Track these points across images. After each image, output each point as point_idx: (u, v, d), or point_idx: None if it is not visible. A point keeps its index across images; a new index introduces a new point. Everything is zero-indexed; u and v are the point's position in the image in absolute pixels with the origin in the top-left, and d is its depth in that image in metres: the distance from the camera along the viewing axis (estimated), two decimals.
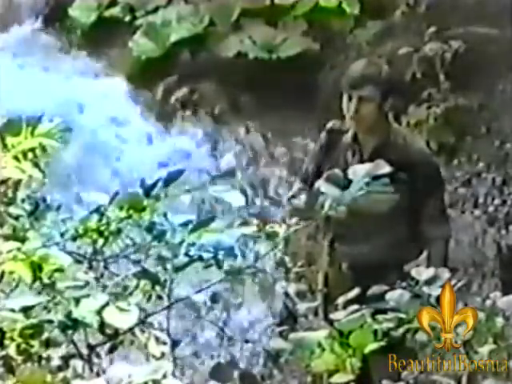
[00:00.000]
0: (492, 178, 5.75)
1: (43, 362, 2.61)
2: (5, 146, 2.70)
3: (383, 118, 4.61)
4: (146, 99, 6.73)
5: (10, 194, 2.79)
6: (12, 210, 2.78)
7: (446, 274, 3.04)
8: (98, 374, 2.62)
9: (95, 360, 2.69)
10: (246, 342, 4.38)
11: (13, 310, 2.52)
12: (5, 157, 2.69)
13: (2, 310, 2.50)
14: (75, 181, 5.32)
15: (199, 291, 2.88)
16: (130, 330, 2.71)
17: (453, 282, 3.05)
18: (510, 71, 5.84)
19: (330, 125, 4.71)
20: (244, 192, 4.46)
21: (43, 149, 2.76)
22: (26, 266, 2.58)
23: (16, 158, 2.71)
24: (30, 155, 2.74)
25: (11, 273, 2.61)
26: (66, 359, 2.65)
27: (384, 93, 4.55)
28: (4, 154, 2.70)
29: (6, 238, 2.69)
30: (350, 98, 4.51)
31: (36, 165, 2.74)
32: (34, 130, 2.74)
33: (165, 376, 2.54)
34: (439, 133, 5.91)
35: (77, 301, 2.61)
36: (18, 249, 2.59)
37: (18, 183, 2.80)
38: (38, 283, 2.61)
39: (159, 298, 2.80)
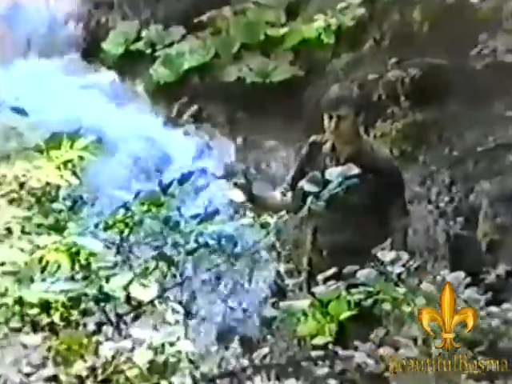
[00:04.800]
0: (442, 179, 5.77)
1: (81, 327, 2.62)
2: (48, 159, 2.70)
3: (356, 132, 4.63)
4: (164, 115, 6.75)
5: (53, 193, 2.80)
6: (55, 205, 2.79)
7: (405, 256, 3.05)
8: (125, 338, 2.63)
9: (122, 326, 2.70)
10: (244, 311, 4.39)
11: (55, 292, 2.52)
12: (49, 166, 2.69)
13: (47, 292, 2.50)
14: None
15: (207, 271, 2.88)
16: (151, 301, 2.72)
17: (411, 262, 3.05)
18: (456, 93, 5.86)
19: (311, 139, 4.75)
20: (244, 188, 4.49)
21: (81, 159, 2.76)
22: (65, 255, 2.58)
23: (58, 167, 2.71)
24: (69, 165, 2.74)
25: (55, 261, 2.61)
26: (98, 325, 2.66)
27: (356, 111, 4.57)
28: (48, 164, 2.70)
29: (51, 227, 2.69)
30: (330, 117, 4.54)
31: (74, 173, 2.73)
32: (73, 144, 2.74)
33: (178, 339, 2.54)
34: (400, 142, 5.93)
35: (107, 278, 2.62)
36: (60, 241, 2.59)
37: (59, 185, 2.81)
38: (76, 265, 2.62)
39: (174, 276, 2.80)
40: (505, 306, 2.91)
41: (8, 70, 6.73)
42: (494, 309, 2.88)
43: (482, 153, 5.70)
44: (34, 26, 7.29)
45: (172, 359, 2.54)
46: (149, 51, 7.04)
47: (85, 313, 2.63)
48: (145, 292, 2.65)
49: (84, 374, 2.51)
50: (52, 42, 7.34)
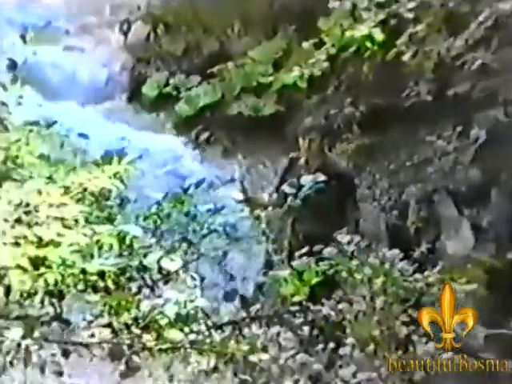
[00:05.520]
0: (383, 185, 5.77)
1: (126, 289, 2.61)
2: (103, 170, 2.69)
3: (322, 150, 4.65)
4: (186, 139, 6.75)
5: (107, 195, 2.79)
6: (108, 203, 2.78)
7: (356, 238, 3.04)
8: (158, 297, 2.61)
9: (156, 289, 2.69)
10: (243, 278, 4.38)
11: (108, 265, 2.51)
12: (103, 176, 2.68)
13: (103, 265, 2.49)
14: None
15: (216, 249, 2.86)
16: (176, 271, 2.71)
17: (361, 243, 3.04)
18: (392, 124, 5.86)
19: (290, 155, 4.77)
20: (242, 191, 4.49)
21: (126, 170, 2.74)
22: (115, 239, 2.58)
23: (110, 177, 2.69)
24: (118, 175, 2.73)
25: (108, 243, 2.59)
26: (139, 288, 2.65)
27: (323, 135, 4.60)
28: (103, 174, 2.69)
29: (105, 219, 2.69)
30: (304, 140, 4.56)
31: (121, 181, 2.72)
32: (121, 160, 2.72)
33: (196, 298, 2.54)
34: (354, 158, 5.92)
35: (145, 254, 2.61)
36: (112, 229, 2.58)
37: (111, 189, 2.79)
38: (123, 246, 2.61)
39: (193, 253, 2.79)
40: (426, 273, 2.91)
41: (77, 107, 6.75)
42: (418, 275, 2.88)
43: (409, 166, 5.72)
44: (95, 77, 7.31)
45: (191, 312, 2.53)
46: (175, 93, 7.04)
47: (129, 279, 2.62)
48: (172, 264, 2.64)
49: (129, 322, 2.50)
50: (106, 86, 7.34)
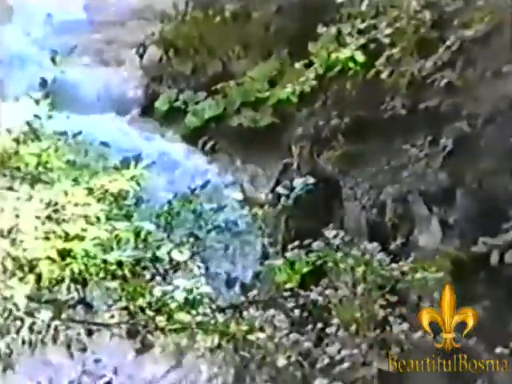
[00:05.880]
0: (364, 186, 5.76)
1: (141, 277, 2.60)
2: (122, 174, 2.68)
3: (312, 156, 4.65)
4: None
5: (124, 195, 2.78)
6: (126, 202, 2.77)
7: (341, 233, 3.04)
8: (168, 284, 2.61)
9: (167, 277, 2.68)
10: (243, 267, 4.38)
11: (125, 256, 2.50)
12: (122, 179, 2.67)
13: (121, 256, 2.48)
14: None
15: (219, 242, 2.85)
16: (185, 262, 2.70)
17: (345, 237, 3.03)
18: (372, 134, 5.84)
19: (284, 161, 4.78)
20: (242, 192, 4.48)
21: (141, 174, 2.72)
22: (132, 234, 2.57)
23: (127, 180, 2.68)
24: (134, 178, 2.71)
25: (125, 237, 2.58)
26: (152, 276, 2.64)
27: (312, 143, 4.61)
28: (121, 178, 2.67)
29: (123, 216, 2.68)
30: (295, 147, 4.57)
31: (137, 183, 2.71)
32: (137, 164, 2.71)
33: (202, 285, 2.53)
34: (339, 164, 5.90)
35: (157, 247, 2.60)
36: (129, 225, 2.57)
37: (128, 190, 2.78)
38: (138, 240, 2.60)
39: (199, 246, 2.78)
40: (401, 263, 2.91)
41: (99, 118, 6.76)
42: (394, 265, 2.88)
43: (387, 170, 5.70)
44: (116, 94, 7.32)
45: (198, 297, 2.53)
46: (183, 107, 7.03)
47: (144, 268, 2.62)
48: (181, 256, 2.64)
49: (144, 305, 2.50)
50: (125, 101, 7.35)
